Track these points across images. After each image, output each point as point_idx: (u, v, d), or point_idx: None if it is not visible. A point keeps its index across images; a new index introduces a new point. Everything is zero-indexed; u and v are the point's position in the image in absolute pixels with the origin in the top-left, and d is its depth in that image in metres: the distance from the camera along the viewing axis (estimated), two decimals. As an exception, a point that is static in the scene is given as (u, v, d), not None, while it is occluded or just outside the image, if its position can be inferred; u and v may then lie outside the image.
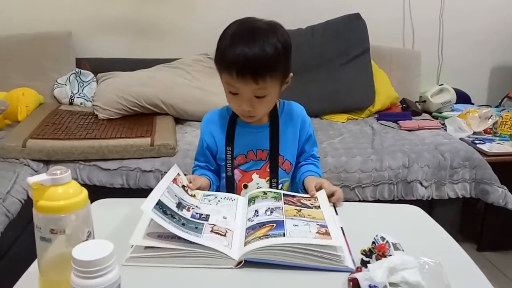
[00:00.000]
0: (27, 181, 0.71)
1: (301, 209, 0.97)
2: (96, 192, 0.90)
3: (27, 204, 1.43)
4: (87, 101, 2.22)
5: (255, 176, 1.14)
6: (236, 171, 1.14)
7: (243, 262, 0.82)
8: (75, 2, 2.44)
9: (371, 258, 0.87)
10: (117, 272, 0.68)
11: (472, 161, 1.81)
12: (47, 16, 2.42)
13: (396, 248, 0.89)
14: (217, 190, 1.16)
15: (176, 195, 0.96)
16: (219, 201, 1.02)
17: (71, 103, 2.20)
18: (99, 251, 0.67)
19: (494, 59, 2.80)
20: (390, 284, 0.79)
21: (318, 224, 0.90)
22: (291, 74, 1.06)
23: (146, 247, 0.85)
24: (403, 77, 2.50)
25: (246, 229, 0.91)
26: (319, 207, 1.00)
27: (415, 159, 1.79)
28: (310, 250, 0.82)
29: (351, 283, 0.79)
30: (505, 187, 1.80)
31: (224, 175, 1.16)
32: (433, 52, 2.71)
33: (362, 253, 0.88)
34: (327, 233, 0.87)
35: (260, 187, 1.14)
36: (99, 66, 2.37)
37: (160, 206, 0.87)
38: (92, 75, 2.33)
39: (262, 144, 1.12)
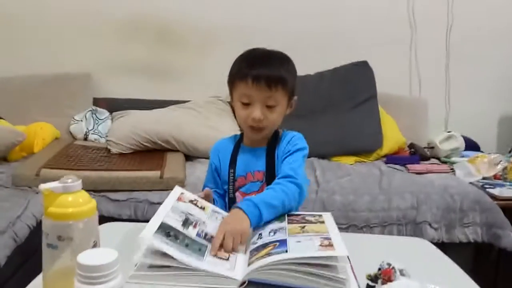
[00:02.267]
0: (40, 187, 0.74)
1: (305, 225, 0.96)
2: (104, 223, 0.91)
3: (36, 231, 1.44)
4: (101, 137, 2.29)
5: None
6: (237, 194, 1.17)
7: (246, 283, 0.81)
8: (95, 45, 2.59)
9: (377, 283, 0.86)
10: (120, 280, 0.68)
11: (482, 204, 1.79)
12: (68, 57, 2.56)
13: (402, 274, 0.87)
14: None
15: (182, 212, 0.97)
16: None
17: (85, 139, 2.27)
18: (104, 257, 0.68)
19: (502, 108, 2.83)
20: (396, 308, 0.77)
21: (321, 237, 0.89)
22: (296, 97, 1.14)
23: (150, 266, 0.85)
24: (411, 124, 2.54)
25: (250, 251, 0.91)
26: (323, 222, 0.99)
27: (424, 200, 1.77)
28: (314, 270, 0.81)
29: (356, 307, 0.77)
30: (517, 232, 1.76)
31: (227, 198, 1.19)
32: (440, 99, 2.75)
33: (367, 278, 0.87)
34: (330, 245, 0.86)
35: None
36: (115, 105, 2.46)
37: (163, 229, 0.87)
38: (108, 113, 2.41)
39: (259, 166, 1.16)
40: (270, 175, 1.15)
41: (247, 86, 1.07)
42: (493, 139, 2.84)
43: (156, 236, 0.85)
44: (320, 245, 0.86)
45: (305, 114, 2.20)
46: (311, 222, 0.99)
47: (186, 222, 0.94)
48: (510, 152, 2.57)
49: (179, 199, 1.02)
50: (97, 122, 2.35)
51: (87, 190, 1.70)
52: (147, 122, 2.08)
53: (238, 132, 1.25)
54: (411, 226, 1.75)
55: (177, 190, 1.06)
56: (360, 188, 1.83)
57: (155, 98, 2.55)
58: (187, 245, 0.87)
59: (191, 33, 2.61)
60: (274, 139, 1.18)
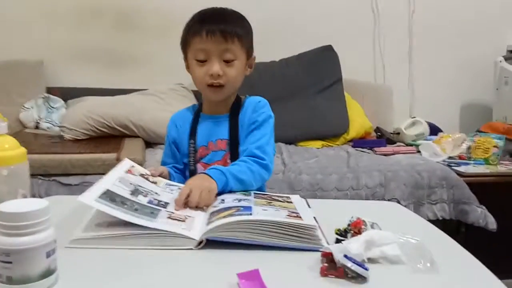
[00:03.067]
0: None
1: (271, 201, 0.90)
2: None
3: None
4: (54, 126, 2.14)
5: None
6: (198, 165, 1.10)
7: (204, 242, 0.73)
8: (48, 30, 2.44)
9: (346, 237, 0.80)
10: (51, 233, 0.58)
11: (449, 180, 1.78)
12: (19, 43, 2.40)
13: (372, 228, 0.81)
14: None
15: (131, 183, 0.88)
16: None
17: (36, 127, 2.11)
18: (31, 206, 0.58)
19: (464, 96, 2.88)
20: (368, 259, 0.71)
21: (289, 211, 0.83)
22: (255, 55, 1.09)
23: (96, 226, 0.76)
24: (376, 110, 2.53)
25: (211, 213, 0.83)
26: (291, 202, 0.93)
27: (392, 177, 1.75)
28: (279, 228, 0.74)
29: (324, 259, 0.71)
30: (483, 207, 1.76)
31: (188, 172, 1.11)
32: (404, 86, 2.78)
33: (336, 233, 0.81)
34: (298, 217, 0.80)
35: None
36: (70, 95, 2.32)
37: (107, 196, 0.78)
38: (62, 102, 2.27)
39: (221, 134, 1.09)
40: (233, 144, 1.08)
41: (201, 40, 1.01)
42: (456, 125, 2.88)
43: (99, 200, 0.75)
44: (288, 216, 0.80)
45: (271, 100, 2.10)
46: (278, 200, 0.93)
47: (135, 192, 0.85)
48: (474, 132, 2.61)
49: (128, 171, 0.92)
50: (50, 110, 2.20)
51: (36, 175, 1.57)
52: (103, 106, 1.96)
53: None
54: (380, 204, 1.71)
55: (126, 163, 0.97)
56: (327, 167, 1.78)
57: (113, 87, 2.41)
58: (136, 210, 0.78)
59: (151, 16, 2.51)
60: (237, 106, 1.11)
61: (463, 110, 2.91)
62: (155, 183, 0.94)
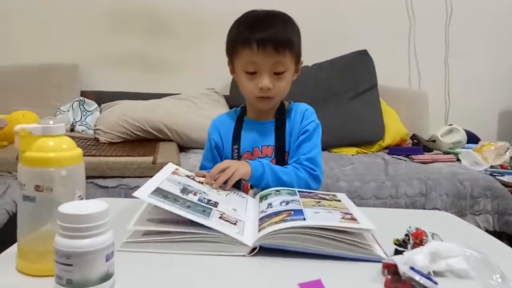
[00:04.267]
0: (14, 129, 0.62)
1: (320, 201, 0.87)
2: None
3: (15, 218, 1.30)
4: (89, 129, 2.16)
5: None
6: None
7: (257, 249, 0.70)
8: (83, 35, 2.48)
9: (406, 248, 0.75)
10: (111, 236, 0.57)
11: (493, 190, 1.70)
12: (55, 47, 2.44)
13: (433, 238, 0.77)
14: None
15: (179, 183, 0.86)
16: (228, 193, 0.92)
17: (72, 130, 2.14)
18: (91, 208, 0.56)
19: (502, 103, 2.78)
20: (434, 272, 0.67)
21: (342, 212, 0.79)
22: (302, 60, 1.06)
23: (145, 233, 0.73)
24: (411, 117, 2.47)
25: (260, 219, 0.80)
26: (339, 200, 0.90)
27: (433, 186, 1.68)
28: (335, 236, 0.71)
29: (386, 271, 0.67)
30: (530, 219, 1.67)
31: None
32: (440, 93, 2.70)
33: (395, 243, 0.76)
34: (353, 219, 0.76)
35: None
36: (104, 99, 2.33)
37: (159, 193, 0.77)
38: (96, 105, 2.29)
39: (267, 140, 1.07)
40: (279, 150, 1.05)
41: (252, 53, 0.97)
42: (493, 133, 2.78)
43: (153, 196, 0.74)
44: (342, 218, 0.76)
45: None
46: (326, 199, 0.90)
47: (185, 191, 0.83)
48: (513, 144, 2.50)
49: (173, 173, 0.91)
50: (84, 113, 2.22)
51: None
52: (137, 110, 1.97)
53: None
54: (420, 214, 1.65)
55: (170, 166, 0.95)
56: (365, 175, 1.73)
57: (146, 91, 2.43)
58: (189, 207, 0.76)
59: (184, 22, 2.52)
60: (282, 111, 1.09)
61: (501, 117, 2.80)
62: (201, 183, 0.92)
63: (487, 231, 1.70)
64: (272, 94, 1.01)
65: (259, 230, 0.74)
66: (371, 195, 1.64)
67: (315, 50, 2.48)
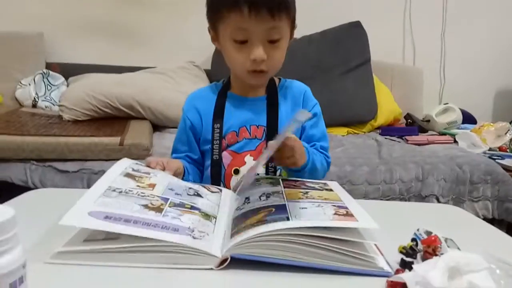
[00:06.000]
0: None
1: (308, 191, 0.71)
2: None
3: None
4: (54, 105, 1.96)
5: (248, 158, 0.90)
6: (225, 153, 0.91)
7: (228, 260, 0.55)
8: (49, 1, 2.23)
9: (415, 258, 0.60)
10: (18, 255, 0.40)
11: (494, 175, 1.57)
12: (17, 14, 2.21)
13: (449, 246, 0.62)
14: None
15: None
16: (194, 193, 0.74)
17: (34, 106, 1.93)
18: None
19: (498, 82, 2.65)
20: (452, 292, 0.52)
21: (334, 205, 0.64)
22: (297, 24, 0.89)
23: (86, 240, 0.57)
24: (405, 94, 2.32)
25: (234, 219, 0.64)
26: (331, 190, 0.74)
27: (430, 171, 1.54)
28: (326, 245, 0.55)
29: (391, 290, 0.52)
30: (533, 207, 1.56)
31: (209, 162, 0.91)
32: (435, 71, 2.55)
33: (401, 252, 0.61)
34: (349, 214, 0.60)
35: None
36: (72, 71, 2.13)
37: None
38: (63, 79, 2.08)
39: (257, 120, 0.91)
40: (272, 133, 0.89)
41: (242, 17, 0.79)
42: (489, 113, 2.65)
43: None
44: (335, 214, 0.60)
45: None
46: (315, 188, 0.74)
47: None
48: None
49: (129, 176, 0.71)
50: (49, 88, 2.01)
51: (29, 159, 1.39)
52: (106, 84, 1.77)
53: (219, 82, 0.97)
54: (416, 200, 1.51)
55: (124, 163, 0.75)
56: (356, 158, 1.58)
57: (118, 64, 2.23)
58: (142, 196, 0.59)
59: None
60: (273, 87, 0.93)
61: (497, 97, 2.67)
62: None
63: (485, 218, 1.59)
64: (267, 67, 0.84)
65: (232, 236, 0.58)
66: (363, 180, 1.49)
67: (304, 21, 2.24)
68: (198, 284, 0.53)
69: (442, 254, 0.58)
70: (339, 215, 0.60)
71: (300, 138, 0.93)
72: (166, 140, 1.66)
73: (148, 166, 0.78)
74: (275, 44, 0.83)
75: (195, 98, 0.96)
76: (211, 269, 0.55)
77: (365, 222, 0.59)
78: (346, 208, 0.63)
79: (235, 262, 0.55)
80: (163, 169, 0.79)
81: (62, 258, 0.55)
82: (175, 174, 0.81)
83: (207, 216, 0.65)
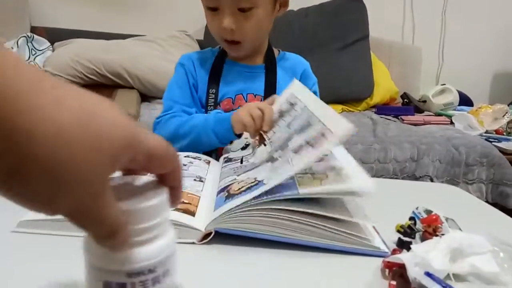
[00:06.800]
0: None
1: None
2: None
3: None
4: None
5: None
6: None
7: (212, 235, 0.50)
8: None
9: (413, 238, 0.56)
10: (173, 236, 0.35)
11: (490, 158, 1.54)
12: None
13: (450, 226, 0.58)
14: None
15: None
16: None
17: (17, 71, 1.84)
18: (142, 192, 0.35)
19: (497, 64, 2.60)
20: (453, 276, 0.48)
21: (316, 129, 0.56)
22: None
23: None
24: (403, 73, 2.26)
25: (218, 191, 0.59)
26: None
27: (425, 151, 1.50)
28: (314, 223, 0.51)
29: (387, 271, 0.48)
30: (527, 191, 1.53)
31: None
32: (434, 50, 2.48)
33: (398, 231, 0.57)
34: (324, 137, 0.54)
35: (248, 143, 0.84)
36: (58, 36, 2.03)
37: None
38: (48, 44, 1.98)
39: (254, 88, 0.87)
40: None
41: None
42: (486, 95, 2.61)
43: None
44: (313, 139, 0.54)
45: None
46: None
47: None
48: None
49: None
50: (34, 52, 1.92)
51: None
52: (93, 50, 1.68)
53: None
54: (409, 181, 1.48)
55: None
56: (351, 136, 1.52)
57: (107, 30, 2.12)
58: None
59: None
60: (271, 57, 0.89)
61: (495, 79, 2.63)
62: None
63: (478, 201, 1.56)
64: (239, 37, 0.80)
65: (215, 209, 0.54)
66: (356, 159, 1.43)
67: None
68: (179, 259, 0.48)
69: (443, 234, 0.54)
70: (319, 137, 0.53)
71: None
72: (156, 111, 1.59)
73: None
74: (246, 13, 0.78)
75: (190, 58, 0.90)
76: (193, 243, 0.50)
77: (359, 182, 0.54)
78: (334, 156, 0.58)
79: (219, 237, 0.50)
80: None
81: (30, 227, 0.50)
82: None
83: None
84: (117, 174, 0.30)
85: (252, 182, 0.55)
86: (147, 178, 0.33)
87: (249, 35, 0.81)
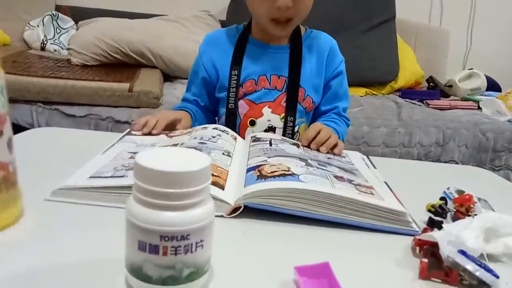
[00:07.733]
0: None
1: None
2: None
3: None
4: (62, 49, 1.89)
5: (266, 110, 0.85)
6: (241, 102, 0.85)
7: (241, 209, 0.50)
8: None
9: (445, 217, 0.55)
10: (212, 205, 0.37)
11: (519, 144, 1.50)
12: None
13: (483, 207, 0.56)
14: None
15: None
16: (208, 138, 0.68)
17: (43, 49, 1.86)
18: (187, 160, 0.36)
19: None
20: (487, 256, 0.47)
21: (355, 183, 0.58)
22: None
23: (91, 177, 0.54)
24: (429, 56, 2.20)
25: (248, 169, 0.59)
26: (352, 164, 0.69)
27: (451, 136, 1.47)
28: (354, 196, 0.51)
29: (417, 249, 0.47)
30: (556, 179, 1.49)
31: (224, 110, 0.86)
32: (462, 34, 2.40)
33: (429, 210, 0.56)
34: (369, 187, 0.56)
35: (272, 126, 0.83)
36: (82, 15, 2.04)
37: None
38: (73, 22, 2.00)
39: (279, 69, 0.85)
40: (293, 84, 0.83)
41: None
42: (514, 82, 2.53)
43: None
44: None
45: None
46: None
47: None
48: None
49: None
50: (58, 31, 1.94)
51: (36, 102, 1.35)
52: (117, 29, 1.68)
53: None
54: (434, 166, 1.45)
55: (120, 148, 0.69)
56: (375, 119, 1.51)
57: (130, 10, 2.12)
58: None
59: None
60: (297, 36, 0.86)
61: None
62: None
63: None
64: (292, 14, 0.78)
65: (246, 185, 0.54)
66: (380, 142, 1.43)
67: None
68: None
69: (475, 215, 0.53)
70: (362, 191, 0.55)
71: (324, 96, 0.89)
72: (177, 90, 1.60)
73: (135, 130, 0.73)
74: None
75: (213, 39, 0.89)
76: (222, 216, 0.50)
77: (389, 201, 0.54)
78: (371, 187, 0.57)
79: (248, 211, 0.50)
80: (154, 125, 0.73)
81: (63, 196, 0.51)
82: (174, 123, 0.77)
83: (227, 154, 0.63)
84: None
85: (286, 171, 0.55)
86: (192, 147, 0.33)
87: (302, 11, 0.80)
